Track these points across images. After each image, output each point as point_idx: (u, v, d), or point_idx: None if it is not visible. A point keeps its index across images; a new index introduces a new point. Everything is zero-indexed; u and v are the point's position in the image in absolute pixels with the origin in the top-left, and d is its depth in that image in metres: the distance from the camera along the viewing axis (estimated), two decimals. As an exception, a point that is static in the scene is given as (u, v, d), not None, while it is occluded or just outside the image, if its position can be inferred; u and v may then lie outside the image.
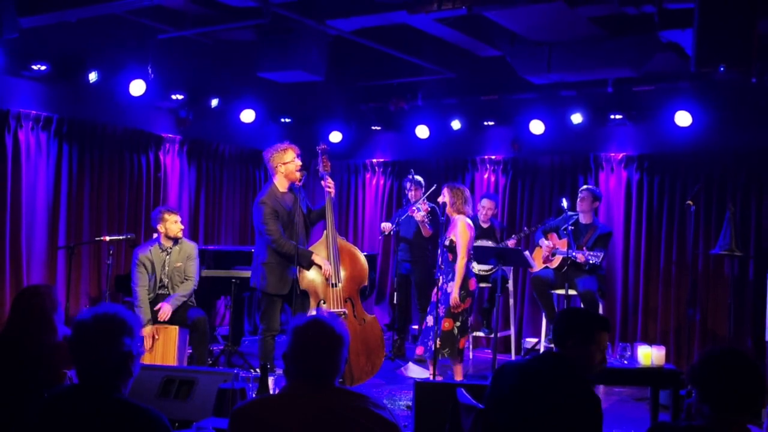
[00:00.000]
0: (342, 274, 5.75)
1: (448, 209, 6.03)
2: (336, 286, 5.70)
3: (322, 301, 5.71)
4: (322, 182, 5.79)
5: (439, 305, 5.88)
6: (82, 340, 2.41)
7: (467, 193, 6.09)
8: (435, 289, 5.99)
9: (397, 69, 7.90)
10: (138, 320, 2.54)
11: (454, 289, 5.86)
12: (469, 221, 6.01)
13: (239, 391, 3.65)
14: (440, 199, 6.07)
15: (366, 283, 5.98)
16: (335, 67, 7.16)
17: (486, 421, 3.07)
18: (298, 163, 5.69)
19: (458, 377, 6.00)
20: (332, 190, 5.80)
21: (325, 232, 5.79)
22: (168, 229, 6.04)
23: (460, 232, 5.90)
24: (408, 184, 7.45)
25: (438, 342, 5.80)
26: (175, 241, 6.10)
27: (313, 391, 2.39)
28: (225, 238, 8.47)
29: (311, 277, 5.69)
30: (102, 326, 2.41)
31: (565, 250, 6.62)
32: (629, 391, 6.25)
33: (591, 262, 6.70)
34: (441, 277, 5.97)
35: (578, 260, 6.69)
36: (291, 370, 2.44)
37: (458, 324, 5.88)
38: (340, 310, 5.66)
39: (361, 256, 5.93)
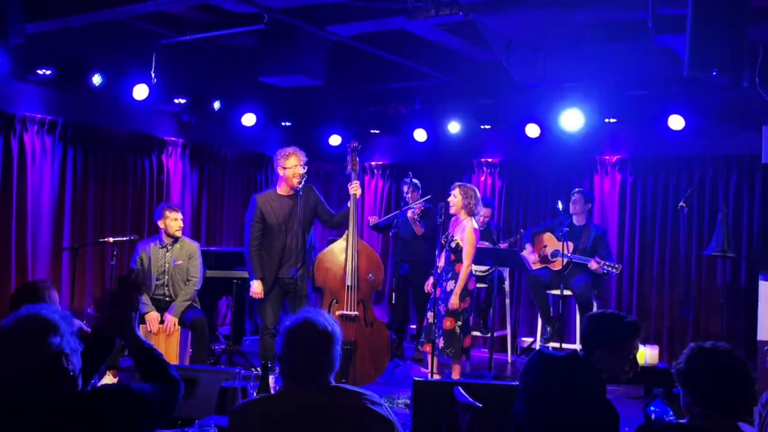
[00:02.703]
0: (359, 276, 5.84)
1: (457, 209, 5.98)
2: (352, 288, 5.80)
3: (334, 301, 5.83)
4: (348, 184, 5.92)
5: (439, 303, 5.94)
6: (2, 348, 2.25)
7: (479, 193, 6.12)
8: (431, 286, 6.06)
9: (395, 74, 7.98)
10: (68, 315, 2.38)
11: (454, 294, 5.86)
12: (476, 225, 6.03)
13: (241, 390, 3.71)
14: (450, 199, 6.02)
15: (380, 288, 6.06)
16: (335, 72, 7.24)
17: (520, 404, 3.00)
18: (299, 171, 5.77)
19: (456, 376, 6.10)
20: (358, 192, 5.89)
21: (347, 232, 5.90)
22: (167, 226, 6.14)
23: (468, 236, 5.88)
24: (405, 187, 7.60)
25: (441, 340, 5.88)
26: (176, 239, 6.21)
27: (310, 389, 2.41)
28: (227, 239, 8.56)
29: (327, 275, 5.83)
30: (23, 330, 2.25)
31: (569, 253, 6.73)
32: (623, 390, 6.33)
33: (605, 272, 6.81)
34: (442, 275, 6.01)
35: (592, 268, 6.80)
36: (286, 370, 2.46)
37: (460, 323, 5.92)
38: (352, 312, 5.76)
39: (378, 260, 6.02)
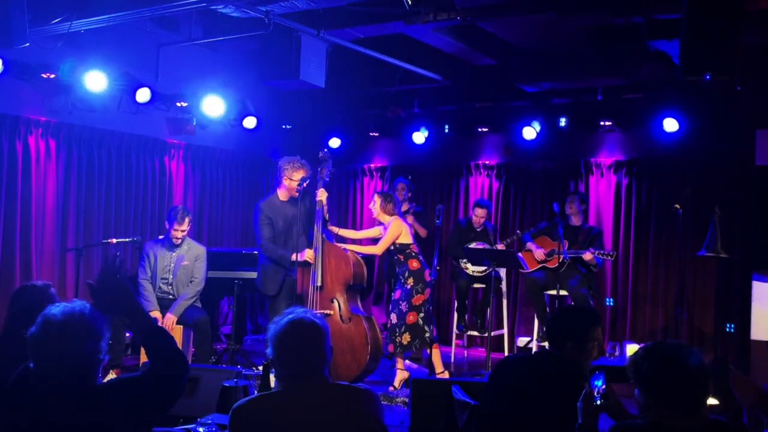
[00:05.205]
0: (325, 276, 6.04)
1: (377, 213, 6.31)
2: (319, 289, 6.00)
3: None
4: (317, 190, 6.08)
5: (401, 303, 6.17)
6: (47, 336, 2.33)
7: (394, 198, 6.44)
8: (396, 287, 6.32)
9: (394, 77, 8.07)
10: (108, 328, 2.46)
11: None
12: (400, 221, 6.30)
13: (242, 389, 3.79)
14: (370, 206, 6.39)
15: (352, 282, 6.10)
16: (335, 75, 7.33)
17: (484, 414, 3.10)
18: (300, 185, 5.99)
19: (437, 359, 6.28)
20: (323, 198, 6.05)
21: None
22: (172, 234, 6.35)
23: (391, 226, 6.22)
24: (399, 186, 7.83)
25: (407, 336, 6.10)
26: (180, 241, 6.38)
27: (307, 386, 2.46)
28: (228, 240, 8.65)
29: (306, 277, 6.04)
30: (68, 324, 2.33)
31: (564, 249, 6.83)
32: (617, 389, 6.41)
33: (598, 262, 6.94)
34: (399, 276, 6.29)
35: (586, 259, 6.90)
36: (280, 373, 2.51)
37: (422, 315, 6.15)
38: (324, 312, 5.93)
39: (346, 256, 6.10)
